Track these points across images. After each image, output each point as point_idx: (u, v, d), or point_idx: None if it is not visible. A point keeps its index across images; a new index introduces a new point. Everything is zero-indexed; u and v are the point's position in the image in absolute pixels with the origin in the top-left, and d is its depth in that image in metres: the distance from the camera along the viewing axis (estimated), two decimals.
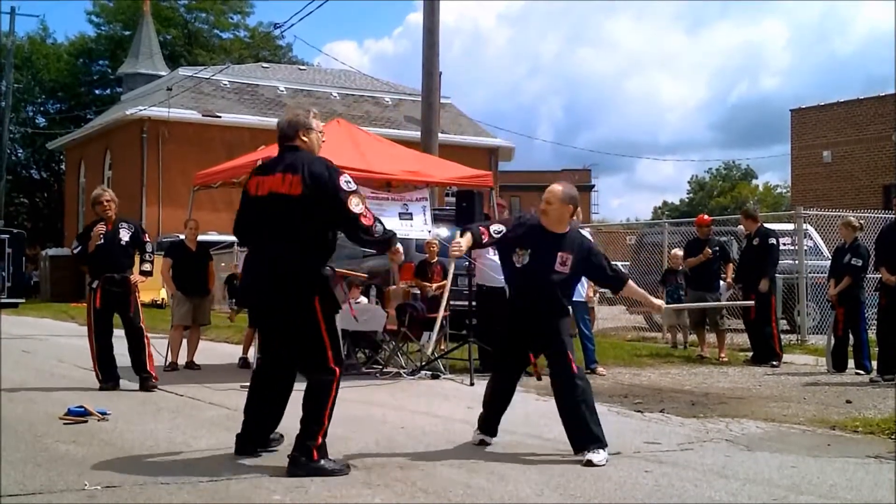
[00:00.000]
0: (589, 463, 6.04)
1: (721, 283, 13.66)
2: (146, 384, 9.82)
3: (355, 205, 5.88)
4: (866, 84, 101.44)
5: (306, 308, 5.91)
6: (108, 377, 9.87)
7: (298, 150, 6.12)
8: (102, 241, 9.86)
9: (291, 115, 6.35)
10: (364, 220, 5.91)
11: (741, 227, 14.49)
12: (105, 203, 10.03)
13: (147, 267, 10.30)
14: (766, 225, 13.75)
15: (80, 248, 10.03)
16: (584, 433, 6.27)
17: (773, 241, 13.16)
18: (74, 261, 10.15)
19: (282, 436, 6.42)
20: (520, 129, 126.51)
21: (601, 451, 6.16)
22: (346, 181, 5.94)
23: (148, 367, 9.94)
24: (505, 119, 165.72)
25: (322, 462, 5.78)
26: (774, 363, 12.69)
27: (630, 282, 7.01)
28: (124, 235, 10.05)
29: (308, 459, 5.76)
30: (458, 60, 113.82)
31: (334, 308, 6.02)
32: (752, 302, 12.11)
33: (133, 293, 10.03)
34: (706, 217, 14.64)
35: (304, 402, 5.91)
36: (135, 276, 10.09)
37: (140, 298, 10.27)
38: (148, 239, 10.49)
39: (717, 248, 13.97)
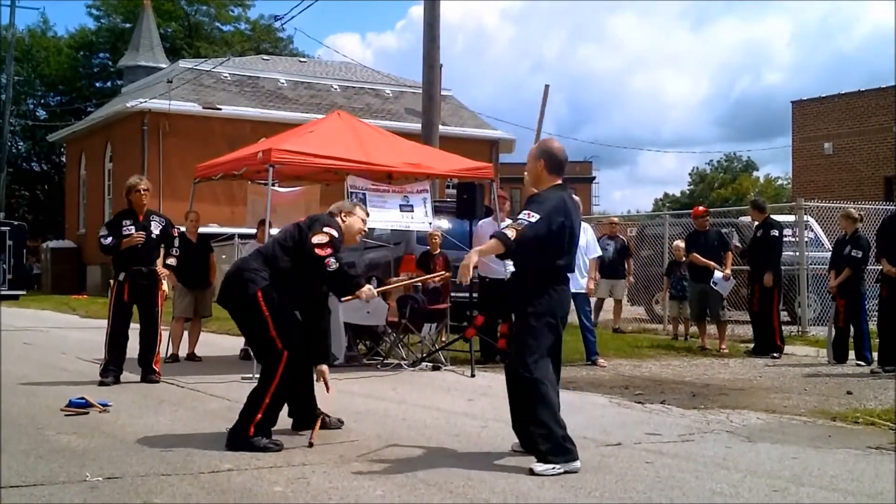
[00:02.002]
0: (531, 471, 5.61)
1: (718, 273, 13.59)
2: (148, 377, 9.82)
3: (322, 251, 6.52)
4: (869, 80, 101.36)
5: (250, 301, 6.51)
6: (108, 373, 9.73)
7: (323, 216, 6.89)
8: (140, 246, 9.78)
9: (345, 202, 7.28)
10: (329, 265, 6.52)
11: (744, 217, 14.50)
12: (142, 192, 9.91)
13: (172, 261, 10.31)
14: (773, 217, 13.75)
15: (110, 240, 9.79)
16: (532, 443, 5.83)
17: (776, 233, 13.13)
18: (102, 251, 10.00)
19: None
20: (523, 125, 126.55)
21: (544, 464, 5.65)
22: (330, 231, 6.59)
23: (154, 364, 9.95)
24: (508, 114, 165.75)
25: (255, 438, 6.27)
26: (775, 355, 12.69)
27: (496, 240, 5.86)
28: (155, 229, 9.98)
29: (244, 433, 6.31)
30: (462, 57, 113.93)
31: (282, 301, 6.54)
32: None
33: (159, 287, 10.01)
34: (700, 208, 14.68)
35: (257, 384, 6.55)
36: (159, 269, 10.04)
37: (164, 291, 10.26)
38: (176, 234, 10.47)
39: (716, 239, 13.96)
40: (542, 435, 5.74)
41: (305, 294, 6.73)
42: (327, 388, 6.92)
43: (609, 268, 16.70)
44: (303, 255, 6.54)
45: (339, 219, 6.85)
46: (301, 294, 6.69)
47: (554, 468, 5.61)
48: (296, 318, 6.67)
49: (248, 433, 6.29)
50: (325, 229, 6.56)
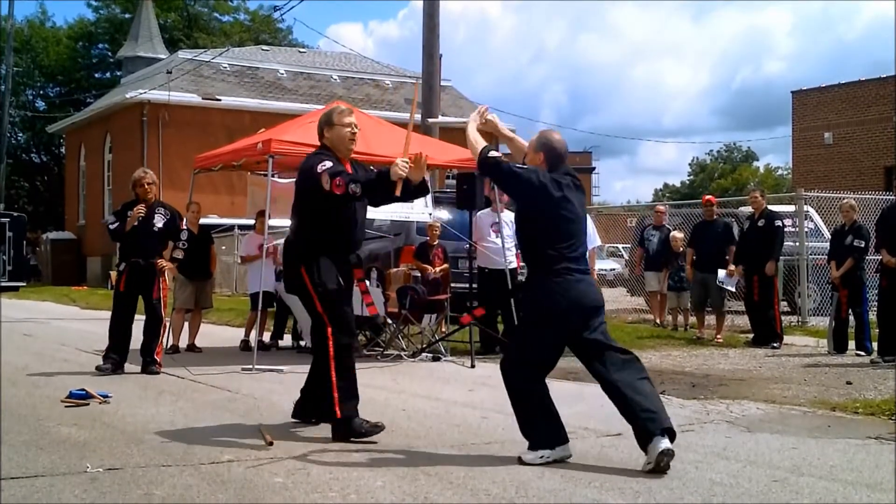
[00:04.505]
0: (519, 460, 5.60)
1: (722, 272, 13.52)
2: (149, 368, 9.83)
3: (325, 183, 6.32)
4: (870, 70, 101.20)
5: (296, 275, 6.53)
6: (108, 359, 9.81)
7: (317, 151, 6.74)
8: (137, 223, 9.86)
9: (321, 115, 6.90)
10: (336, 191, 6.30)
11: (743, 207, 14.47)
12: (146, 186, 10.06)
13: (178, 254, 10.34)
14: (769, 207, 13.74)
15: (117, 224, 9.94)
16: (523, 432, 5.78)
17: (780, 223, 13.15)
18: (110, 237, 10.10)
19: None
20: (523, 115, 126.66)
21: (532, 451, 5.62)
22: (321, 166, 6.40)
23: (155, 354, 9.97)
24: (509, 105, 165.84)
25: (354, 422, 6.29)
26: (775, 345, 12.70)
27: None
28: (158, 221, 10.04)
29: (335, 418, 6.32)
30: (463, 47, 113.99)
31: (325, 277, 6.45)
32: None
33: (159, 278, 10.02)
34: (711, 197, 14.68)
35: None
36: (164, 262, 10.08)
37: (167, 283, 10.32)
38: (184, 226, 10.47)
39: (721, 230, 13.96)
40: None
41: (344, 239, 6.66)
42: None
43: (654, 259, 16.23)
44: (323, 199, 6.40)
45: (324, 139, 6.75)
46: (341, 241, 6.62)
47: None
48: (343, 292, 6.57)
49: (337, 416, 6.30)
50: (320, 168, 6.38)
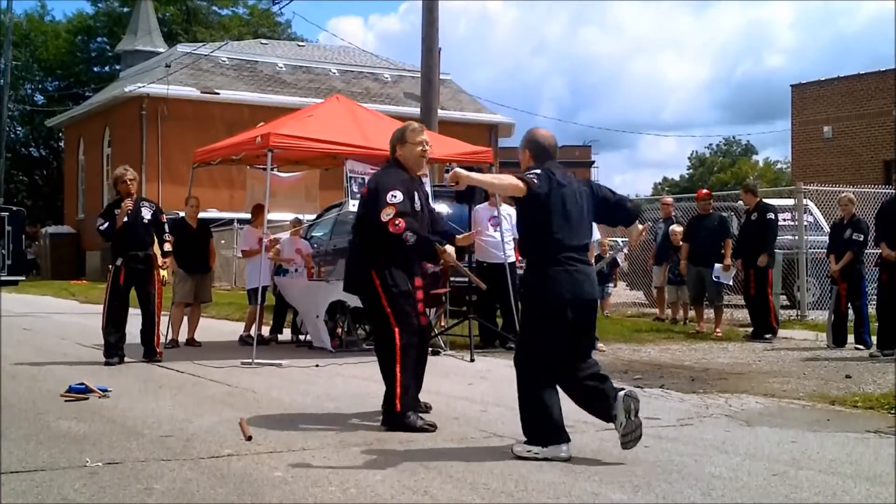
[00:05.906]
0: (511, 451, 5.70)
1: (717, 266, 13.46)
2: (150, 357, 10.11)
3: (385, 215, 6.46)
4: (870, 63, 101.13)
5: (365, 276, 6.70)
6: (113, 353, 10.06)
7: (389, 165, 6.93)
8: (127, 218, 10.05)
9: (395, 130, 7.01)
10: (391, 228, 6.45)
11: (741, 202, 14.48)
12: (128, 182, 10.30)
13: (168, 247, 10.61)
14: (766, 200, 13.72)
15: (107, 224, 10.16)
16: (522, 425, 5.84)
17: (772, 216, 13.13)
18: (102, 238, 10.40)
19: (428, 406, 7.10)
20: (523, 109, 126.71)
21: (524, 445, 5.70)
22: (392, 195, 6.50)
23: (155, 342, 10.28)
24: (509, 98, 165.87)
25: (408, 418, 6.50)
26: (767, 336, 12.70)
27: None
28: (146, 214, 10.33)
29: (393, 411, 6.53)
30: (464, 41, 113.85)
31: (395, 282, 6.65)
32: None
33: (155, 270, 10.29)
34: (703, 191, 14.67)
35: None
36: (160, 259, 10.37)
37: (165, 278, 10.61)
38: (164, 219, 10.66)
39: (716, 223, 13.95)
40: None
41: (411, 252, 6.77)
42: None
43: (659, 253, 15.98)
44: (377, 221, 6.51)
45: (396, 154, 6.83)
46: (409, 253, 6.72)
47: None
48: (410, 292, 6.75)
49: (396, 410, 6.51)
50: (389, 198, 6.47)
